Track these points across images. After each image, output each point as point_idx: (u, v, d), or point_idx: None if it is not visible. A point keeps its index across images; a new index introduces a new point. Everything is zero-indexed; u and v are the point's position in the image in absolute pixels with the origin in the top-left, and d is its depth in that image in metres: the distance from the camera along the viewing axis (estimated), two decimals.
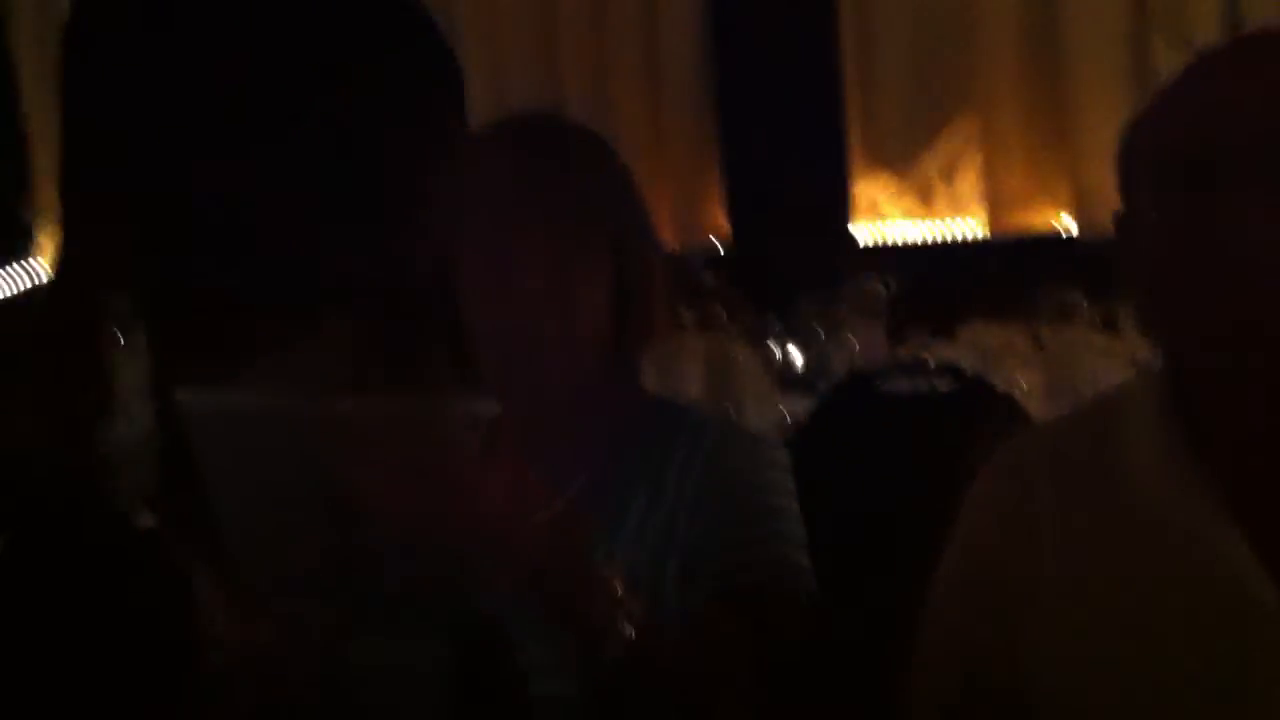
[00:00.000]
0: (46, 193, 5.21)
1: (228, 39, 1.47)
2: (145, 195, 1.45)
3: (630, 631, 1.26)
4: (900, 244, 5.15)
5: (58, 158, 1.46)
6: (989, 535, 1.33)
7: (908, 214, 5.12)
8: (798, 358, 4.56)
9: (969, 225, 5.08)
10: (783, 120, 5.09)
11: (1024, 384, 3.73)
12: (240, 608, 1.28)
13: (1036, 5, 4.96)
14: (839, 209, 5.19)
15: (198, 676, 1.32)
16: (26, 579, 1.46)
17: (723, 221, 5.35)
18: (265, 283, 1.42)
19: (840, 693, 1.60)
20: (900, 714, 1.37)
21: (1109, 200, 1.29)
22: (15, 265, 5.27)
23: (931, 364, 3.16)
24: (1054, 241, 4.92)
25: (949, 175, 5.03)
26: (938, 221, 5.10)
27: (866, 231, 5.19)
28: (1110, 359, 3.85)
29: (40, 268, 5.15)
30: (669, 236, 5.04)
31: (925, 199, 5.10)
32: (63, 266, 1.50)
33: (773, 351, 4.53)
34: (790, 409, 4.00)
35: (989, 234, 5.04)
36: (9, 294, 5.17)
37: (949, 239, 5.09)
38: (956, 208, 5.07)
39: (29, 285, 4.97)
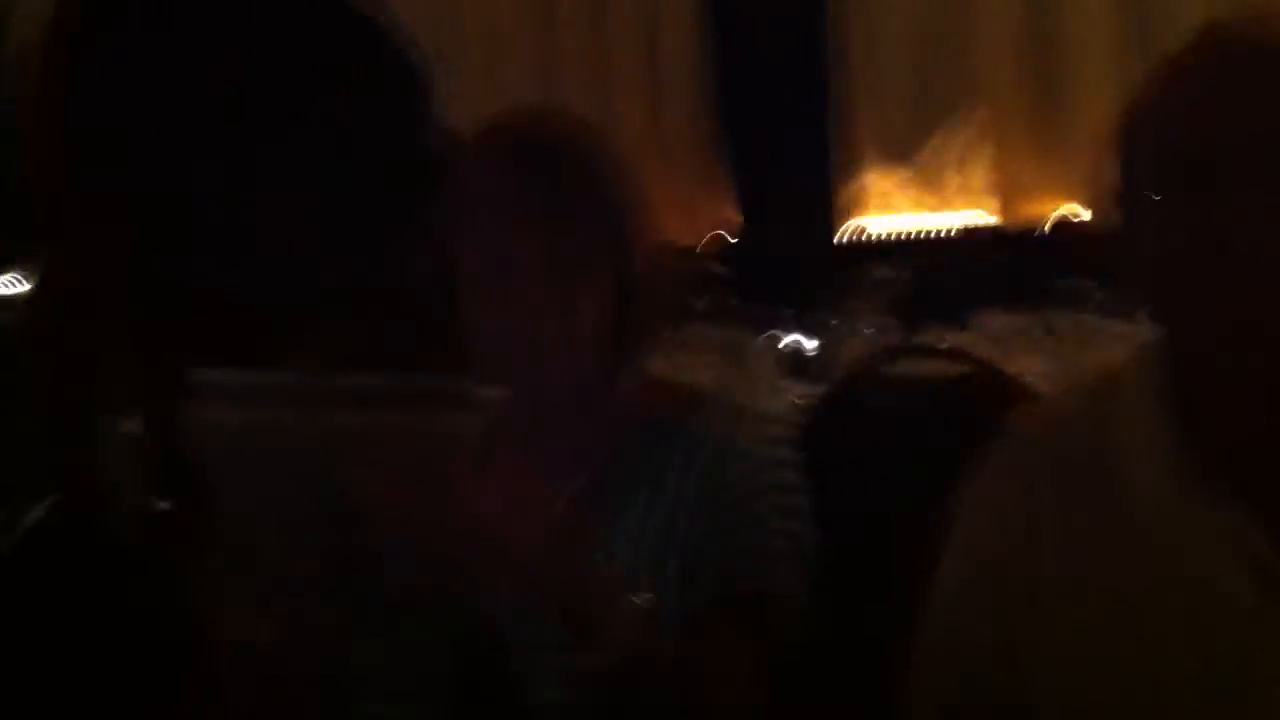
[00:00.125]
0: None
1: (227, 39, 1.47)
2: (145, 195, 1.45)
3: (630, 632, 1.26)
4: (911, 234, 5.15)
5: (38, 158, 1.45)
6: (989, 535, 1.33)
7: (918, 205, 5.11)
8: (808, 346, 4.55)
9: (979, 215, 5.06)
10: (789, 110, 5.08)
11: (1037, 369, 3.72)
12: (240, 608, 1.28)
13: None
14: (848, 200, 5.18)
15: (198, 676, 1.32)
16: (26, 579, 1.47)
17: (732, 213, 5.34)
18: (265, 283, 1.42)
19: (840, 693, 1.60)
20: (900, 714, 1.37)
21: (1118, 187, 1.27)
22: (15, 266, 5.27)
23: (943, 350, 3.14)
24: (1065, 229, 4.90)
25: (959, 166, 5.01)
26: (948, 213, 5.09)
27: (877, 223, 5.18)
28: (1123, 345, 3.83)
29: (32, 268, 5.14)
30: (678, 228, 5.02)
31: (935, 189, 5.09)
32: (55, 267, 1.50)
33: (782, 340, 4.53)
34: (800, 397, 3.99)
35: (1000, 223, 5.03)
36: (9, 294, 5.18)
37: (960, 228, 5.08)
38: (967, 198, 5.05)
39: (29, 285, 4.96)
